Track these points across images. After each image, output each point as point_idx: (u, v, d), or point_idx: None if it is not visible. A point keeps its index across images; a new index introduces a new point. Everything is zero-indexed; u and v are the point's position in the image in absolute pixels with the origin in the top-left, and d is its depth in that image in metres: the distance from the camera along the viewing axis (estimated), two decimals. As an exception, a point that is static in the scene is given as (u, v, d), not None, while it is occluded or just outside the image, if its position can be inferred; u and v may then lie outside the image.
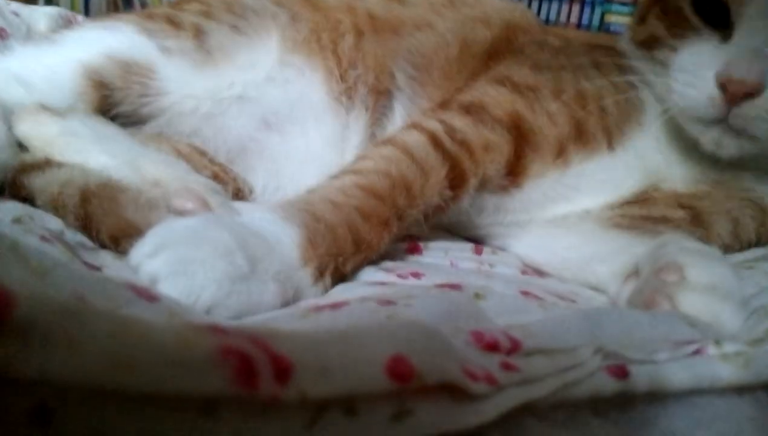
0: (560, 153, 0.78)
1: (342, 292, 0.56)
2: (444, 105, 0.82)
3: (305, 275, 0.54)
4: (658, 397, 0.34)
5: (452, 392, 0.29)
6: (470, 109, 0.78)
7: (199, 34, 0.87)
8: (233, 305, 0.46)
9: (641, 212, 0.80)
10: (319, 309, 0.42)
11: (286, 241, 0.54)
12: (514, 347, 0.34)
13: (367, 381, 0.27)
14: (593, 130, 0.79)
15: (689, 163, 0.79)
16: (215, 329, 0.26)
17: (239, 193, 0.89)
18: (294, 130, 0.90)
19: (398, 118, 0.92)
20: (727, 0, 0.69)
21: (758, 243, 0.79)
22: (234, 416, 0.25)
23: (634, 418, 0.33)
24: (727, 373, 0.36)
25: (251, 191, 0.90)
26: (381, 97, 0.92)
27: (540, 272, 0.77)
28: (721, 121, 0.69)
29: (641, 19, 0.84)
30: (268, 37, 0.90)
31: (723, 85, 0.67)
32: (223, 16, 0.90)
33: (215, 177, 0.84)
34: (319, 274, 0.56)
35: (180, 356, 0.24)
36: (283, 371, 0.26)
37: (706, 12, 0.72)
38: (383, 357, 0.28)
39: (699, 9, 0.73)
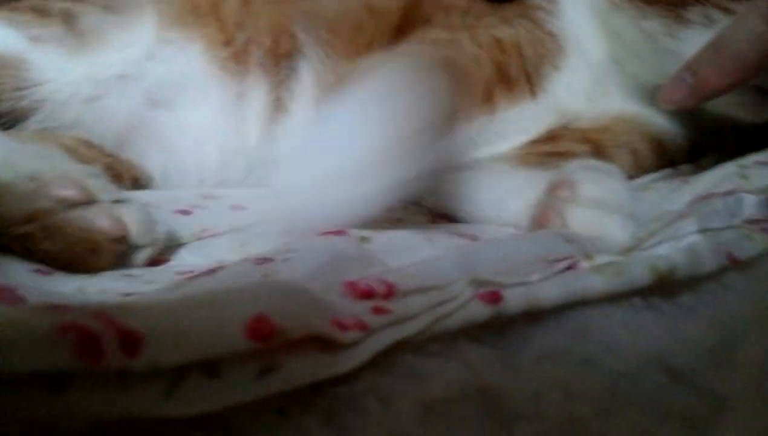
0: (488, 97, 0.78)
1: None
2: None
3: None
4: (534, 316, 0.35)
5: (322, 343, 0.29)
6: None
7: (68, 18, 0.83)
8: None
9: (548, 149, 0.81)
10: (194, 277, 0.41)
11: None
12: (390, 291, 0.35)
13: (226, 344, 0.27)
14: (515, 75, 0.79)
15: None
16: (55, 308, 0.25)
17: (138, 181, 0.86)
18: (182, 106, 0.87)
19: (306, 80, 0.89)
20: None
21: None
22: (84, 391, 0.24)
23: (510, 340, 0.34)
24: (599, 283, 0.37)
25: (150, 178, 0.88)
26: (282, 60, 0.90)
27: (450, 218, 0.78)
28: None
29: None
30: (143, 13, 0.87)
31: None
32: None
33: (108, 168, 0.80)
34: None
35: (18, 336, 0.24)
36: (132, 342, 0.25)
37: None
38: (244, 318, 0.28)
39: None
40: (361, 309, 0.32)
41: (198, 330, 0.27)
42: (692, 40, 0.69)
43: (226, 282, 0.40)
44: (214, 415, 0.26)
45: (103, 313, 0.26)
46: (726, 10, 0.68)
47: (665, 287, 0.39)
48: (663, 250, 0.41)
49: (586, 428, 0.34)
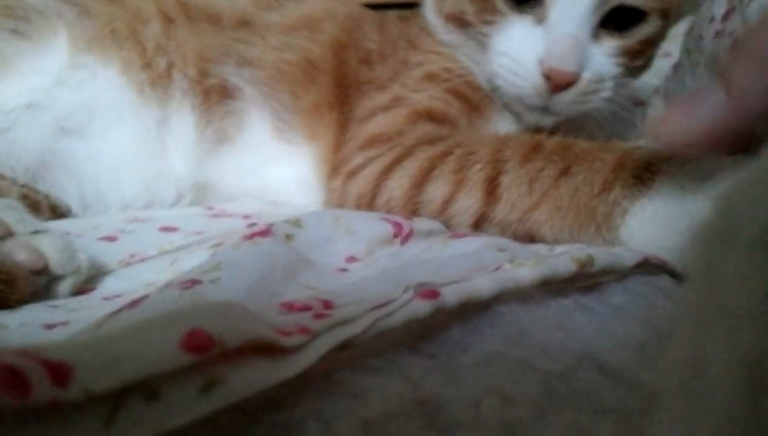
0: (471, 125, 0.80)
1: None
2: (339, 167, 0.79)
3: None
4: (470, 322, 0.36)
5: (264, 351, 0.28)
6: (374, 142, 0.76)
7: None
8: None
9: None
10: (116, 312, 0.39)
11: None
12: (327, 306, 0.34)
13: (162, 361, 0.26)
14: (478, 100, 0.80)
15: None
16: None
17: (56, 211, 0.83)
18: (96, 133, 0.84)
19: (258, 119, 0.88)
20: None
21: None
22: (13, 430, 0.23)
23: (447, 348, 0.35)
24: (528, 272, 0.39)
25: (69, 208, 0.84)
26: (217, 96, 0.88)
27: None
28: (544, 106, 0.74)
29: None
30: (55, 37, 0.83)
31: (547, 76, 0.70)
32: (2, 23, 0.82)
33: (24, 198, 0.77)
34: None
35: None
36: (60, 374, 0.24)
37: None
38: (177, 335, 0.27)
39: None
40: (302, 318, 0.32)
41: (130, 353, 0.25)
42: None
43: (152, 312, 0.39)
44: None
45: (25, 351, 0.25)
46: None
47: (588, 277, 0.41)
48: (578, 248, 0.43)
49: (524, 430, 0.35)
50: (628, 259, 0.44)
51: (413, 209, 0.66)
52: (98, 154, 0.84)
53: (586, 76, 0.71)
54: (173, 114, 0.87)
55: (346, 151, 0.80)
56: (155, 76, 0.87)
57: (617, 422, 0.34)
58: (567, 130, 0.80)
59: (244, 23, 0.92)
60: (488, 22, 0.76)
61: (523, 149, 0.60)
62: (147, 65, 0.86)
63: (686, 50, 0.93)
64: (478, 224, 0.61)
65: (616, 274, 0.44)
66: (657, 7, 0.74)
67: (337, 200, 0.76)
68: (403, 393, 0.33)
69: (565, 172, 0.56)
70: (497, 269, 0.40)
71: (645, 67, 0.82)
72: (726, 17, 0.82)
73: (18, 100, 0.80)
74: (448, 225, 0.64)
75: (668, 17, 0.77)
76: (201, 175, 0.89)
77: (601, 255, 0.42)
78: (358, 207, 0.72)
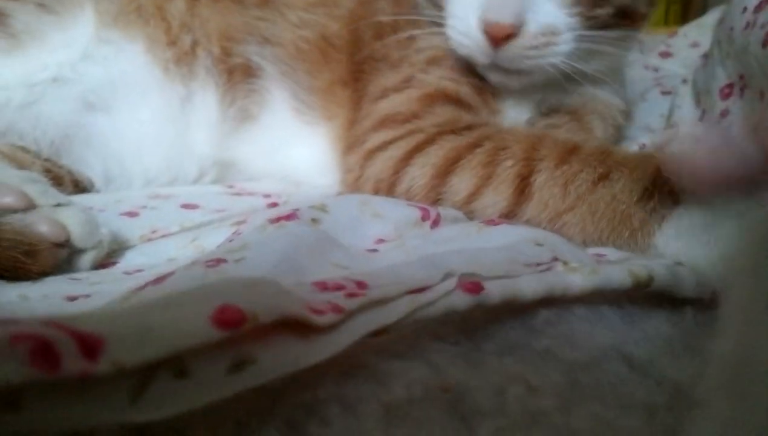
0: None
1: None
2: (353, 145, 0.79)
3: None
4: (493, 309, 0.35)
5: (296, 330, 0.28)
6: (388, 122, 0.75)
7: (1, 17, 0.79)
8: None
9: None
10: (140, 288, 0.39)
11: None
12: (361, 286, 0.34)
13: (192, 336, 0.25)
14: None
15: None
16: (2, 322, 0.24)
17: (79, 185, 0.83)
18: (121, 108, 0.84)
19: (278, 98, 0.88)
20: None
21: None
22: (41, 402, 0.23)
23: (472, 336, 0.34)
24: (579, 280, 0.38)
25: (92, 183, 0.85)
26: (240, 75, 0.88)
27: None
28: (492, 63, 0.72)
29: None
30: (81, 12, 0.83)
31: (485, 30, 0.69)
32: None
33: (47, 171, 0.78)
34: None
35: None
36: (91, 346, 0.24)
37: None
38: (208, 309, 0.26)
39: None
40: (334, 296, 0.31)
41: (162, 326, 0.25)
42: None
43: (179, 288, 0.38)
44: (168, 429, 0.25)
45: (54, 321, 0.25)
46: None
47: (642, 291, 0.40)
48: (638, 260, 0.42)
49: (549, 421, 0.34)
50: (688, 285, 0.42)
51: (435, 199, 0.65)
52: (122, 130, 0.84)
53: (531, 27, 0.69)
54: (197, 92, 0.87)
55: (360, 129, 0.79)
56: (180, 53, 0.86)
57: (643, 417, 0.33)
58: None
59: (265, 2, 0.91)
60: None
61: (559, 150, 0.60)
62: (172, 42, 0.86)
63: (717, 41, 0.91)
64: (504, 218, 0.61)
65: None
66: None
67: (353, 181, 0.76)
68: (426, 379, 0.33)
69: (603, 177, 0.55)
70: (547, 268, 0.39)
71: (627, 23, 0.78)
72: (759, 8, 0.80)
73: (44, 74, 0.80)
74: (470, 217, 0.63)
75: None
76: (223, 154, 0.89)
77: (662, 276, 0.41)
78: (376, 191, 0.71)
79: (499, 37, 0.69)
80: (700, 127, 0.66)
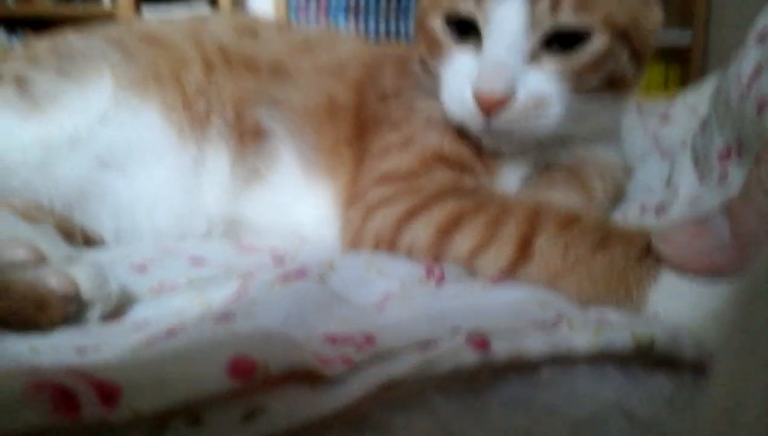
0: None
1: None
2: (355, 199, 0.81)
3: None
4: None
5: (306, 381, 0.29)
6: (389, 180, 0.78)
7: (21, 82, 0.82)
8: None
9: None
10: (153, 341, 0.40)
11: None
12: (370, 340, 0.35)
13: (206, 385, 0.26)
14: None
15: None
16: (29, 371, 0.25)
17: (89, 241, 0.85)
18: (136, 167, 0.86)
19: (286, 158, 0.91)
20: (472, 14, 0.74)
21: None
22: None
23: (477, 390, 0.35)
24: (584, 341, 0.39)
25: (102, 238, 0.86)
26: (251, 137, 0.91)
27: None
28: (485, 129, 0.75)
29: (420, 42, 0.85)
30: (100, 78, 0.86)
31: (477, 99, 0.72)
32: (49, 62, 0.86)
33: (59, 227, 0.79)
34: None
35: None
36: (109, 393, 0.25)
37: (458, 28, 0.77)
38: (222, 360, 0.27)
39: (451, 27, 0.77)
40: (344, 349, 0.32)
41: (177, 376, 0.26)
42: None
43: (192, 340, 0.39)
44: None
45: (76, 370, 0.26)
46: None
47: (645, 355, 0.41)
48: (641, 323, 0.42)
49: (551, 476, 0.35)
50: (687, 348, 0.43)
51: (437, 255, 0.67)
52: (136, 188, 0.86)
53: (521, 96, 0.72)
54: (210, 153, 0.90)
55: (361, 184, 0.82)
56: (195, 117, 0.89)
57: (645, 473, 0.34)
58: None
59: (278, 69, 0.95)
60: (438, 56, 0.79)
61: (560, 217, 0.62)
62: (187, 107, 0.89)
63: (714, 107, 0.94)
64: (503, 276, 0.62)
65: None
66: (600, 26, 0.74)
67: (353, 234, 0.77)
68: (430, 432, 0.33)
69: (603, 243, 0.57)
70: (553, 325, 0.40)
71: (617, 87, 0.81)
72: (753, 77, 0.83)
73: (61, 136, 0.82)
74: (471, 274, 0.65)
75: (625, 36, 0.76)
76: (232, 211, 0.91)
77: (663, 340, 0.42)
78: (376, 246, 0.73)
79: (490, 106, 0.72)
80: (688, 216, 0.67)
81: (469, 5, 0.73)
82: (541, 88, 0.73)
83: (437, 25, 0.78)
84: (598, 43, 0.74)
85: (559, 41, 0.73)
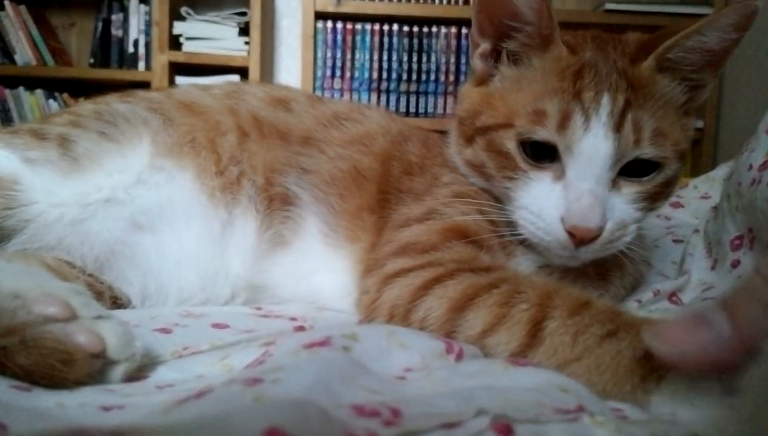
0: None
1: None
2: (373, 267, 0.83)
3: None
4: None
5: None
6: (408, 251, 0.80)
7: (65, 143, 0.87)
8: None
9: None
10: (182, 402, 0.41)
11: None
12: (395, 414, 0.36)
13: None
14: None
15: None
16: (75, 431, 0.26)
17: (117, 302, 0.87)
18: (166, 230, 0.89)
19: (310, 224, 0.94)
20: (554, 140, 0.76)
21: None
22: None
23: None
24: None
25: (129, 299, 0.89)
26: (279, 203, 0.94)
27: None
28: (571, 256, 0.79)
29: (468, 140, 0.88)
30: (139, 142, 0.91)
31: (571, 232, 0.76)
32: (92, 124, 0.90)
33: (89, 286, 0.82)
34: None
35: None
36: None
37: (534, 151, 0.79)
38: (256, 431, 0.28)
39: (526, 150, 0.80)
40: (371, 424, 0.33)
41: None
42: None
43: (218, 405, 0.40)
44: None
45: (116, 432, 0.27)
46: None
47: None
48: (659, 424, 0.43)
49: None
50: None
51: (449, 331, 0.68)
52: (165, 249, 0.89)
53: (609, 226, 0.76)
54: (238, 217, 0.93)
55: (380, 253, 0.83)
56: (226, 182, 0.93)
57: None
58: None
59: (308, 139, 0.99)
60: (509, 178, 0.81)
61: (572, 302, 0.63)
62: (220, 172, 0.93)
63: (726, 195, 0.96)
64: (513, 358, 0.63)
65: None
66: (673, 155, 0.79)
67: (369, 303, 0.78)
68: None
69: (612, 334, 0.58)
70: (574, 417, 0.41)
71: (667, 197, 0.87)
72: (764, 166, 0.86)
73: (98, 195, 0.86)
74: (482, 354, 0.65)
75: (684, 157, 0.82)
76: (256, 277, 0.93)
77: None
78: (391, 315, 0.74)
79: (585, 239, 0.76)
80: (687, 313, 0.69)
81: (551, 134, 0.76)
82: (624, 214, 0.78)
83: (512, 147, 0.80)
84: (669, 170, 0.80)
85: (635, 168, 0.78)
